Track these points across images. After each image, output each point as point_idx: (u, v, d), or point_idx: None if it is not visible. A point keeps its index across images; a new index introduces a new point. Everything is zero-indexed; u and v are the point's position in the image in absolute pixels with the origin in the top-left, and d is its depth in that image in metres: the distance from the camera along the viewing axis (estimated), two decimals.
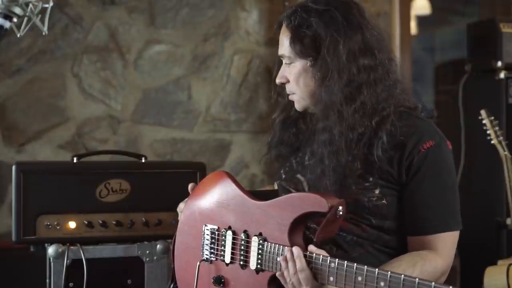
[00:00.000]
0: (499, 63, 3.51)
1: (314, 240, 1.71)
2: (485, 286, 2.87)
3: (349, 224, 1.82)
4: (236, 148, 3.91)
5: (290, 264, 1.69)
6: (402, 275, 1.52)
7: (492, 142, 3.19)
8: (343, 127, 1.78)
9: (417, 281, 1.49)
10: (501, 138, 3.19)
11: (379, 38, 1.86)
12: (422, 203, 1.80)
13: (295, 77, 1.88)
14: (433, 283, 1.47)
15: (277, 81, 1.93)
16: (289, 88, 1.92)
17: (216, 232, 1.92)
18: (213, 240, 1.93)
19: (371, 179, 1.80)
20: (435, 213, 1.80)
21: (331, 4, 1.83)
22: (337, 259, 1.64)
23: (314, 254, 1.67)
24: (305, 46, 1.83)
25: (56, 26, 3.53)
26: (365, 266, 1.59)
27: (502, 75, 3.52)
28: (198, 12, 3.82)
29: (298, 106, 1.92)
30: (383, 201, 1.80)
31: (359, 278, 1.59)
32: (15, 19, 1.66)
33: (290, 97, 1.93)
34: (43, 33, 1.71)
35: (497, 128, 3.19)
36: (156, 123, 3.77)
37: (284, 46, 1.87)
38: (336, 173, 1.78)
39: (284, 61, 1.91)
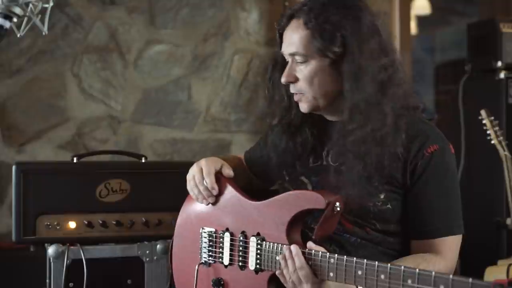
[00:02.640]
0: (499, 63, 3.51)
1: (313, 237, 1.71)
2: None
3: (354, 227, 1.82)
4: (236, 148, 3.90)
5: (289, 262, 1.69)
6: (402, 266, 1.52)
7: (492, 142, 3.19)
8: (375, 124, 1.76)
9: (417, 271, 1.49)
10: (501, 138, 3.19)
11: (390, 38, 1.87)
12: (426, 207, 1.80)
13: (309, 76, 1.81)
14: (433, 272, 1.47)
15: (284, 79, 1.84)
16: (297, 87, 1.84)
17: (214, 235, 1.92)
18: (211, 243, 1.92)
19: (376, 183, 1.79)
20: (439, 217, 1.79)
21: (348, 2, 1.81)
22: (336, 255, 1.64)
23: (313, 250, 1.67)
24: (328, 43, 1.77)
25: (56, 26, 3.53)
26: (365, 260, 1.58)
27: (502, 75, 3.52)
28: (198, 12, 3.82)
29: (305, 107, 1.86)
30: (387, 206, 1.80)
31: (359, 272, 1.59)
32: (15, 19, 1.66)
33: (296, 97, 1.87)
34: (43, 33, 1.71)
35: (497, 128, 3.19)
36: (156, 123, 3.77)
37: (297, 44, 1.80)
38: (367, 170, 1.76)
39: (294, 59, 1.83)
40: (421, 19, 6.07)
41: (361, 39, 1.77)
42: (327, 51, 1.78)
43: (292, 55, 1.83)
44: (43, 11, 1.69)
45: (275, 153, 1.99)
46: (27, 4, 1.65)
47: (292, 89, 1.86)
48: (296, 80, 1.84)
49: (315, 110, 1.87)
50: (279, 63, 1.92)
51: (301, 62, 1.82)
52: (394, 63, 1.84)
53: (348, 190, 1.77)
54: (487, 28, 3.63)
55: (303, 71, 1.82)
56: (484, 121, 3.19)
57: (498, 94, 3.52)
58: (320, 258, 1.66)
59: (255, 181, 2.14)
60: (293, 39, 1.82)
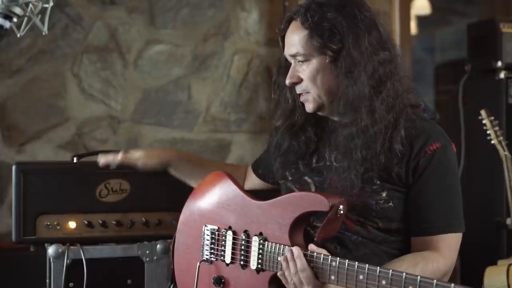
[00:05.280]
0: (499, 63, 3.51)
1: (315, 239, 1.71)
2: (485, 286, 2.87)
3: (356, 226, 1.82)
4: (236, 148, 3.91)
5: (291, 264, 1.69)
6: (404, 273, 1.52)
7: (492, 142, 3.19)
8: (372, 120, 1.78)
9: (419, 279, 1.49)
10: (501, 138, 3.19)
11: (389, 34, 1.90)
12: (427, 204, 1.81)
13: (311, 75, 1.84)
14: (435, 280, 1.47)
15: (288, 81, 1.88)
16: (302, 87, 1.87)
17: (216, 233, 1.92)
18: (213, 241, 1.93)
19: (378, 182, 1.80)
20: (440, 214, 1.80)
21: (344, 1, 1.83)
22: (338, 258, 1.64)
23: (315, 253, 1.67)
24: (325, 41, 1.80)
25: (56, 26, 3.53)
26: (367, 265, 1.59)
27: (502, 75, 3.52)
28: (198, 12, 3.81)
29: (311, 106, 1.88)
30: (390, 204, 1.81)
31: (361, 277, 1.59)
32: (15, 19, 1.66)
33: (303, 97, 1.89)
34: (43, 33, 1.71)
35: (497, 128, 3.19)
36: (156, 123, 3.76)
37: (297, 44, 1.84)
38: (363, 166, 1.78)
39: (296, 60, 1.86)
40: (421, 19, 6.07)
41: (357, 35, 1.80)
42: (326, 49, 1.81)
43: (294, 56, 1.86)
44: (43, 11, 1.69)
45: (279, 153, 2.01)
46: (27, 4, 1.65)
47: (298, 89, 1.89)
48: (299, 80, 1.87)
49: (320, 109, 1.89)
50: (283, 67, 1.95)
51: (302, 62, 1.85)
52: (394, 58, 1.85)
53: (346, 188, 1.78)
54: (487, 28, 3.63)
55: (305, 70, 1.85)
56: (484, 121, 3.19)
57: (498, 94, 3.52)
58: (322, 261, 1.66)
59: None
60: (293, 40, 1.85)
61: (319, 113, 1.91)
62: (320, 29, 1.80)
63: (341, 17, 1.80)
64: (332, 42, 1.80)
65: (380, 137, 1.78)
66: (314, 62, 1.83)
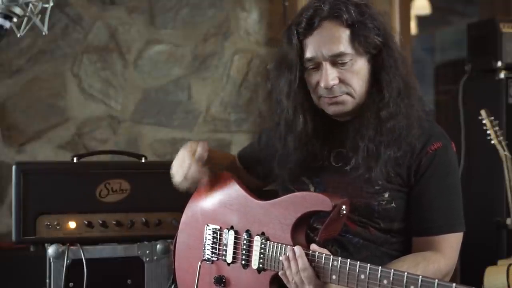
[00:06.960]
0: (499, 63, 3.51)
1: (317, 239, 1.71)
2: (485, 286, 2.87)
3: (357, 227, 1.82)
4: (236, 148, 3.89)
5: (292, 263, 1.69)
6: (405, 273, 1.52)
7: (492, 142, 3.19)
8: (404, 114, 1.79)
9: (420, 278, 1.49)
10: (501, 138, 3.18)
11: None
12: (428, 204, 1.81)
13: (356, 74, 1.79)
14: (436, 280, 1.47)
15: (326, 84, 1.78)
16: (342, 88, 1.79)
17: (218, 232, 1.92)
18: (214, 240, 1.92)
19: (380, 182, 1.80)
20: (441, 214, 1.80)
21: (364, 3, 1.84)
22: (339, 258, 1.64)
23: (317, 252, 1.67)
24: (372, 38, 1.79)
25: (56, 26, 3.53)
26: (368, 264, 1.59)
27: (502, 75, 3.52)
28: (198, 12, 3.81)
29: (342, 108, 1.82)
30: (392, 204, 1.81)
31: (362, 276, 1.59)
32: (15, 19, 1.66)
33: (334, 99, 1.80)
34: (43, 33, 1.71)
35: (497, 128, 3.19)
36: (156, 123, 3.76)
37: (341, 43, 1.76)
38: (390, 161, 1.78)
39: (334, 61, 1.78)
40: (421, 19, 6.08)
41: (390, 31, 1.84)
42: (370, 46, 1.79)
43: (335, 56, 1.78)
44: (43, 11, 1.69)
45: (286, 167, 1.94)
46: (27, 4, 1.65)
47: (333, 92, 1.80)
48: (339, 81, 1.80)
49: (353, 109, 1.83)
50: (299, 71, 1.84)
51: (343, 63, 1.78)
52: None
53: (348, 188, 1.77)
54: (487, 28, 3.63)
55: (348, 70, 1.79)
56: (484, 121, 3.19)
57: (498, 94, 3.52)
58: (323, 260, 1.66)
59: (246, 179, 2.13)
60: (335, 39, 1.77)
61: (335, 115, 1.86)
62: (365, 27, 1.78)
63: (375, 17, 1.81)
64: (376, 40, 1.80)
65: (405, 132, 1.79)
66: (358, 61, 1.79)
